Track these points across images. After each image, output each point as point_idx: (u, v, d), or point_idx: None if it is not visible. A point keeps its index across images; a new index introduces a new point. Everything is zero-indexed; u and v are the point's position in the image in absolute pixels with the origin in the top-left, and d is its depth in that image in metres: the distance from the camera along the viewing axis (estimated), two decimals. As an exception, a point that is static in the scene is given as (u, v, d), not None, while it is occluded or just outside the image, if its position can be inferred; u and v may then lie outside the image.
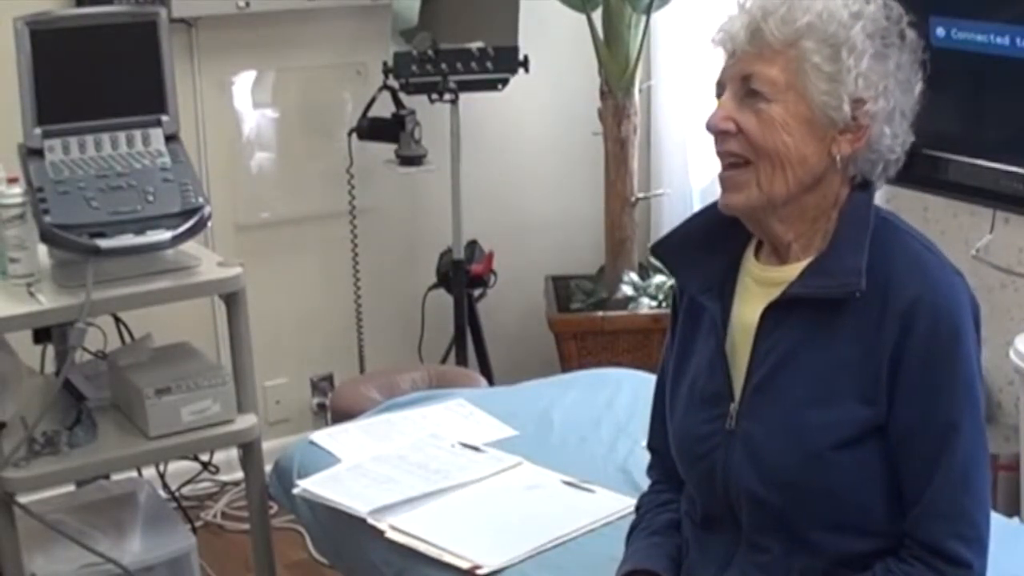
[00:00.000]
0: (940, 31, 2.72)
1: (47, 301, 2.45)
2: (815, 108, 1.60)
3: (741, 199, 1.64)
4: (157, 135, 2.59)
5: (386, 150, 3.58)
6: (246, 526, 3.15)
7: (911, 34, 1.65)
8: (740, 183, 1.64)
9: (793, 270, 1.66)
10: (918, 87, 1.66)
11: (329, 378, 3.85)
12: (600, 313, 3.70)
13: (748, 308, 1.70)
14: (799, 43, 1.59)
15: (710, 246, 1.75)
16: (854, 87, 1.59)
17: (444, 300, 3.70)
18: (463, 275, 3.65)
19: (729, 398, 1.69)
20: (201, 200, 2.53)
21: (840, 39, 1.59)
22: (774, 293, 1.66)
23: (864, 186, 1.67)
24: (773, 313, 1.65)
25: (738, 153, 1.63)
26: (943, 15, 2.73)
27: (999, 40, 2.66)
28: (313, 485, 2.38)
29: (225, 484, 3.56)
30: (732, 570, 1.70)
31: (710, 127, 1.65)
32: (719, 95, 1.66)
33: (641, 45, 3.67)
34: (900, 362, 1.58)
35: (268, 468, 2.66)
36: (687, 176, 3.92)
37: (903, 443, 1.59)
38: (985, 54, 2.70)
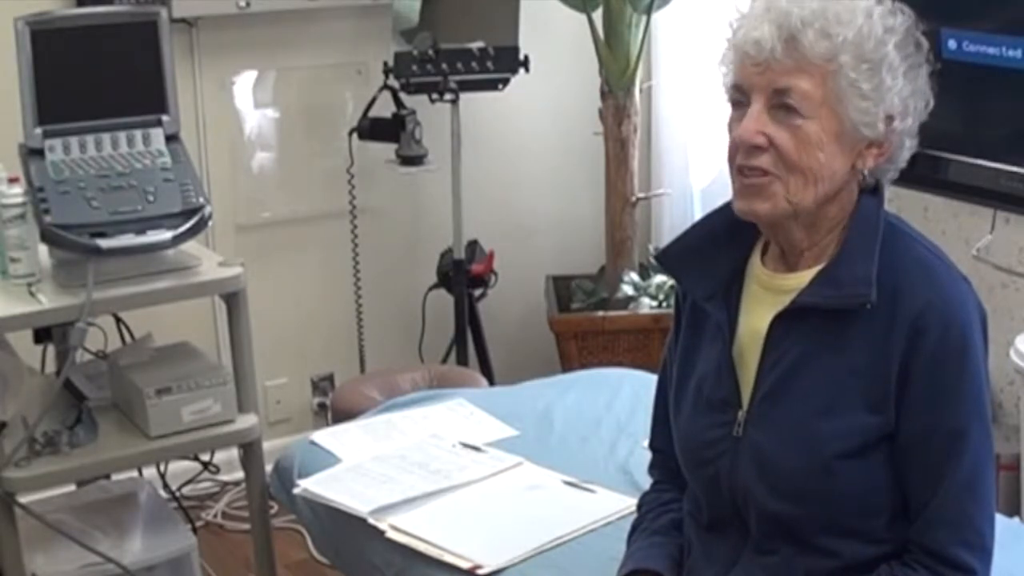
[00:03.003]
0: (951, 43, 2.72)
1: (48, 301, 2.45)
2: (848, 124, 1.57)
3: (767, 208, 1.61)
4: (158, 135, 2.59)
5: (387, 150, 3.58)
6: (247, 526, 3.15)
7: (924, 42, 1.63)
8: (767, 193, 1.60)
9: (802, 278, 1.65)
10: (931, 93, 1.64)
11: (330, 378, 3.86)
12: (601, 313, 3.70)
13: (756, 315, 1.69)
14: (837, 58, 1.56)
15: (714, 252, 1.73)
16: (890, 106, 1.58)
17: (445, 300, 3.70)
18: (464, 275, 3.65)
19: (737, 405, 1.68)
20: (202, 200, 2.53)
21: (878, 57, 1.57)
22: (783, 300, 1.65)
23: (873, 190, 1.66)
24: (782, 321, 1.64)
25: (767, 169, 1.59)
26: (954, 28, 2.73)
27: (1010, 53, 2.66)
28: (314, 485, 2.38)
29: (226, 484, 3.56)
30: (737, 571, 1.70)
31: (741, 140, 1.59)
32: (737, 101, 1.62)
33: (642, 45, 3.67)
34: (909, 370, 1.57)
35: (269, 468, 2.66)
36: (687, 176, 3.92)
37: (910, 450, 1.59)
38: (995, 66, 2.69)
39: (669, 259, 1.79)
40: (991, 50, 2.70)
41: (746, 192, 1.62)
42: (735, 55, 1.62)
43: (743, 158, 1.60)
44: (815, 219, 1.63)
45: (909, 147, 1.64)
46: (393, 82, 3.52)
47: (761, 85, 1.58)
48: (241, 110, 3.61)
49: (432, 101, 3.53)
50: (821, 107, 1.57)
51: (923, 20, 1.65)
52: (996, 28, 2.71)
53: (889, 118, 1.59)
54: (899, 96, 1.58)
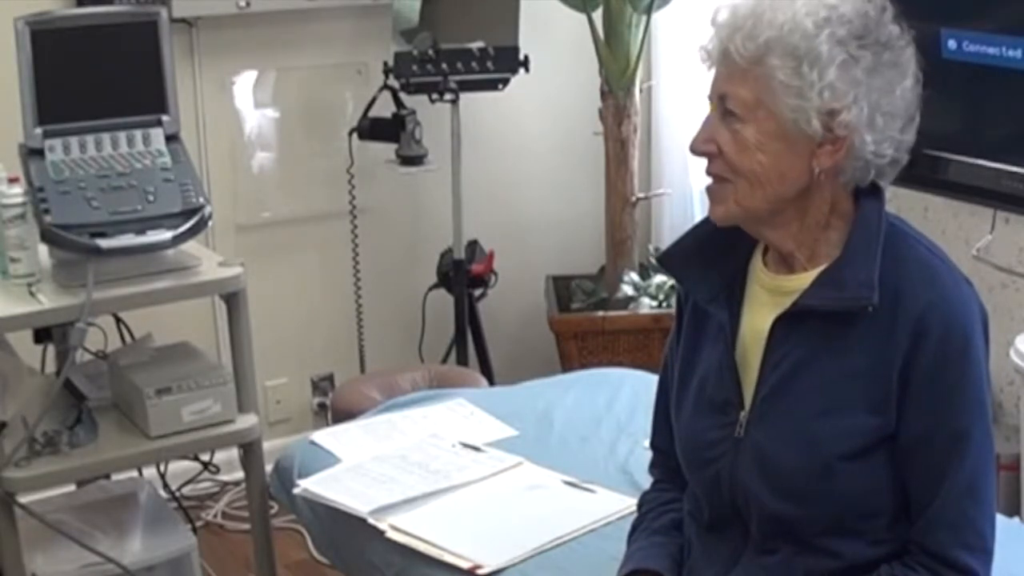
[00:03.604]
0: (951, 43, 2.72)
1: (48, 301, 2.45)
2: (786, 124, 1.57)
3: (721, 212, 1.65)
4: (158, 135, 2.59)
5: (387, 150, 3.58)
6: (247, 526, 3.15)
7: (894, 28, 1.60)
8: (720, 197, 1.64)
9: (803, 279, 1.65)
10: (904, 83, 1.60)
11: (330, 378, 3.86)
12: (601, 313, 3.70)
13: (758, 316, 1.69)
14: (764, 60, 1.57)
15: (716, 254, 1.73)
16: (820, 100, 1.56)
17: (444, 300, 3.70)
18: (464, 275, 3.65)
19: (739, 406, 1.68)
20: (202, 200, 2.53)
21: (802, 52, 1.55)
22: (784, 302, 1.65)
23: (874, 191, 1.65)
24: (784, 323, 1.64)
25: (719, 174, 1.63)
26: (954, 28, 2.73)
27: (1010, 53, 2.65)
28: (314, 485, 2.38)
29: (226, 484, 3.56)
30: (737, 571, 1.70)
31: (693, 149, 1.65)
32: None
33: (642, 45, 3.67)
34: (910, 371, 1.57)
35: (269, 468, 2.66)
36: (687, 176, 3.92)
37: (912, 452, 1.59)
38: (995, 66, 2.69)
39: (671, 261, 1.79)
40: (991, 50, 2.70)
41: (709, 197, 1.67)
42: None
43: (706, 166, 1.65)
44: (784, 220, 1.63)
45: (873, 141, 1.59)
46: (393, 82, 3.52)
47: (712, 94, 1.64)
48: (241, 110, 3.61)
49: (432, 101, 3.53)
50: (756, 110, 1.58)
51: (922, 20, 1.64)
52: (996, 28, 2.71)
53: (831, 112, 1.56)
54: (831, 89, 1.55)
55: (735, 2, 1.62)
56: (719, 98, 1.61)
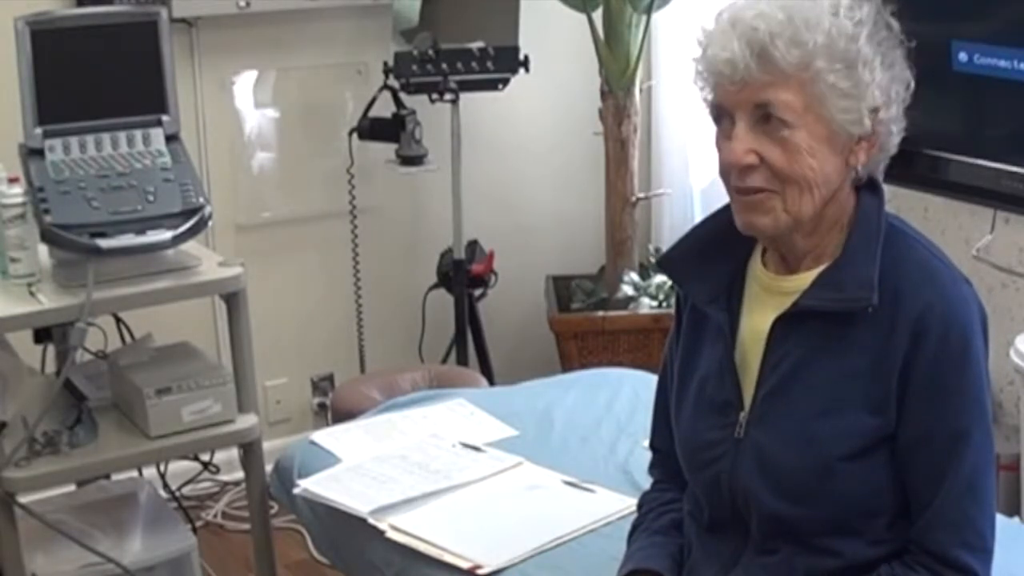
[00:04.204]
0: (962, 56, 2.70)
1: (48, 301, 2.45)
2: (836, 126, 1.56)
3: (768, 222, 1.60)
4: (158, 135, 2.59)
5: (387, 150, 3.58)
6: (247, 526, 3.15)
7: (895, 23, 1.62)
8: (766, 207, 1.59)
9: (804, 280, 1.64)
10: (909, 75, 1.63)
11: (330, 378, 3.86)
12: (601, 313, 3.70)
13: (758, 317, 1.69)
14: (811, 65, 1.54)
15: (715, 255, 1.73)
16: (872, 99, 1.57)
17: (444, 300, 3.70)
18: (464, 275, 3.65)
19: (739, 407, 1.68)
20: (202, 200, 2.53)
21: (852, 54, 1.55)
22: (784, 303, 1.64)
23: (872, 189, 1.66)
24: (784, 323, 1.64)
25: (763, 186, 1.58)
26: (965, 40, 2.71)
27: (1021, 65, 2.63)
28: (314, 485, 2.38)
29: (226, 484, 3.56)
30: (737, 571, 1.70)
31: (732, 163, 1.58)
32: (718, 119, 1.62)
33: (642, 45, 3.67)
34: (910, 372, 1.57)
35: (269, 468, 2.67)
36: (687, 176, 3.92)
37: (912, 452, 1.59)
38: (1007, 79, 2.67)
39: (671, 264, 1.79)
40: (1002, 63, 2.67)
41: (746, 209, 1.61)
42: (709, 75, 1.62)
43: (737, 179, 1.59)
44: (813, 225, 1.63)
45: (897, 133, 1.62)
46: (393, 82, 3.52)
47: (742, 103, 1.58)
48: (241, 110, 3.61)
49: (432, 101, 3.53)
50: (805, 114, 1.56)
51: (933, 32, 1.64)
52: (1008, 40, 2.68)
53: (874, 111, 1.58)
54: (879, 88, 1.57)
55: (758, 6, 1.58)
56: (755, 106, 1.57)
